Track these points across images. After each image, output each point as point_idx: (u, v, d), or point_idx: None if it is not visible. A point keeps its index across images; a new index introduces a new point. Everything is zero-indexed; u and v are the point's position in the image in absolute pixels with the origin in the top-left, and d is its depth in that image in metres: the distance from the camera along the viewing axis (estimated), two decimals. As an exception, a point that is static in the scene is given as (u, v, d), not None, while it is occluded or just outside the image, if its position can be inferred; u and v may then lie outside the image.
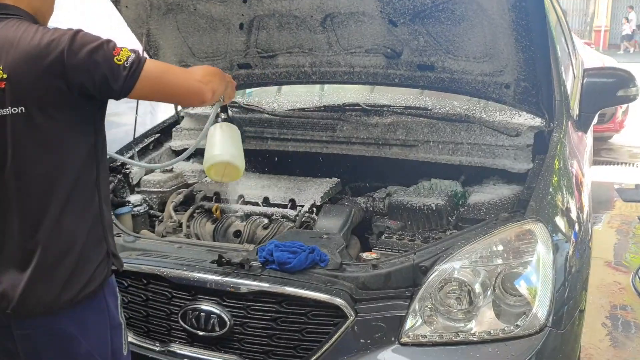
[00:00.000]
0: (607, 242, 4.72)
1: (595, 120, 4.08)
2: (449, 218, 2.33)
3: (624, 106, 6.61)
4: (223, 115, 2.30)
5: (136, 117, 2.82)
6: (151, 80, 1.53)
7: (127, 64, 1.47)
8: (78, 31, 1.46)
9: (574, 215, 2.23)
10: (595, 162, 6.93)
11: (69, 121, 1.49)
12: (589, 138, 3.49)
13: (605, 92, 2.86)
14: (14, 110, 1.45)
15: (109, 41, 1.49)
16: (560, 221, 2.08)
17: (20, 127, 1.45)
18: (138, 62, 1.49)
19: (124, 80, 1.48)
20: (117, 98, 1.54)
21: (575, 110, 2.93)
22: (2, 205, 1.51)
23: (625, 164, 7.13)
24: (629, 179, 6.50)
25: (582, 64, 4.69)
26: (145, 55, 1.60)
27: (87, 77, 1.45)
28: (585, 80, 2.90)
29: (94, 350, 1.58)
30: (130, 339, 1.96)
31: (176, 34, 2.87)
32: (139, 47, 2.87)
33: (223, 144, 2.20)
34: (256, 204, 2.53)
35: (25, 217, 1.50)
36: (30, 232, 1.50)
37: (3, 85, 1.44)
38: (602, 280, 4.01)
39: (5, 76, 1.44)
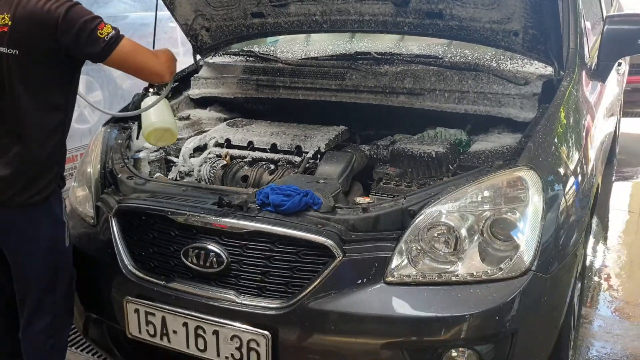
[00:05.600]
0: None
1: (619, 67, 3.94)
2: (449, 166, 2.36)
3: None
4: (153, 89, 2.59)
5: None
6: (122, 55, 1.95)
7: (107, 38, 1.91)
8: (74, 4, 1.89)
9: (576, 165, 2.22)
10: (633, 114, 6.70)
11: (50, 71, 1.92)
12: (609, 88, 3.40)
13: (626, 39, 2.77)
14: (10, 51, 1.87)
15: (96, 17, 1.91)
16: (558, 170, 2.09)
17: (12, 65, 1.87)
18: (116, 38, 1.93)
19: (101, 49, 1.91)
20: (95, 61, 1.98)
21: (593, 60, 2.86)
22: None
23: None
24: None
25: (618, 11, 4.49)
26: (124, 34, 1.98)
27: (74, 42, 1.87)
28: (606, 27, 2.81)
29: (41, 236, 2.04)
30: (139, 274, 2.12)
31: (190, -17, 2.90)
32: None
33: (161, 113, 2.47)
34: (264, 150, 2.61)
35: (11, 136, 1.94)
36: (6, 149, 1.93)
37: (6, 30, 1.86)
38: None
39: (10, 23, 1.87)
